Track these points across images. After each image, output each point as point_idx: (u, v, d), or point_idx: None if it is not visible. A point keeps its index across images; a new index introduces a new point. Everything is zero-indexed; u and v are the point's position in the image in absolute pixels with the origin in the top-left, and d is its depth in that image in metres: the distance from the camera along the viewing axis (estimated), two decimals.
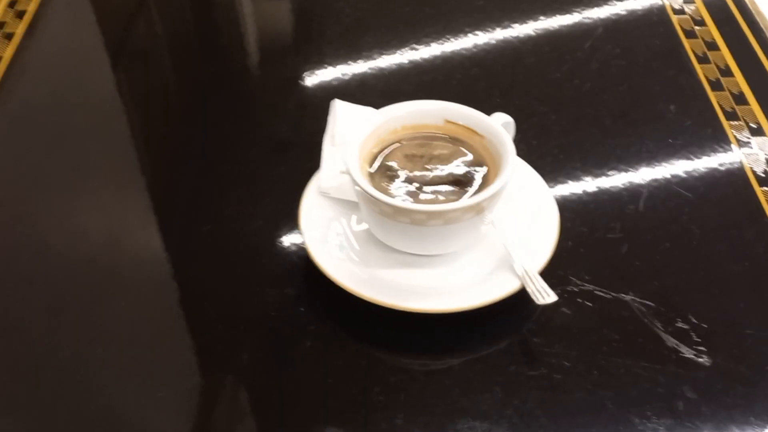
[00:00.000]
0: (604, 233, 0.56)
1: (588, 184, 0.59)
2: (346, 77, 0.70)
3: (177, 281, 0.55)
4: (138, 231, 0.59)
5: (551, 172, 0.58)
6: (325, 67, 0.71)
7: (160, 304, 0.54)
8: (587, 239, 0.55)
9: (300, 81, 0.70)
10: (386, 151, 0.53)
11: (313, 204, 0.55)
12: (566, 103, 0.67)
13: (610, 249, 0.55)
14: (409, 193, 0.50)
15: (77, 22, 0.78)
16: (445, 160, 0.53)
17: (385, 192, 0.50)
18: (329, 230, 0.54)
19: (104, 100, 0.70)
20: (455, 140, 0.54)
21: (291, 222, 0.55)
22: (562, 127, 0.65)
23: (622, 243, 0.55)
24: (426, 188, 0.51)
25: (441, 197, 0.50)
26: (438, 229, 0.49)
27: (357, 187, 0.49)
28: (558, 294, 0.49)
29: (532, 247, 0.52)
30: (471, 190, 0.51)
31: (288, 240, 0.56)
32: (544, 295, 0.48)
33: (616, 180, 0.59)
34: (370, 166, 0.52)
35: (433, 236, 0.50)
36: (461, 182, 0.51)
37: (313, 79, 0.70)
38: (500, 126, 0.52)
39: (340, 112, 0.60)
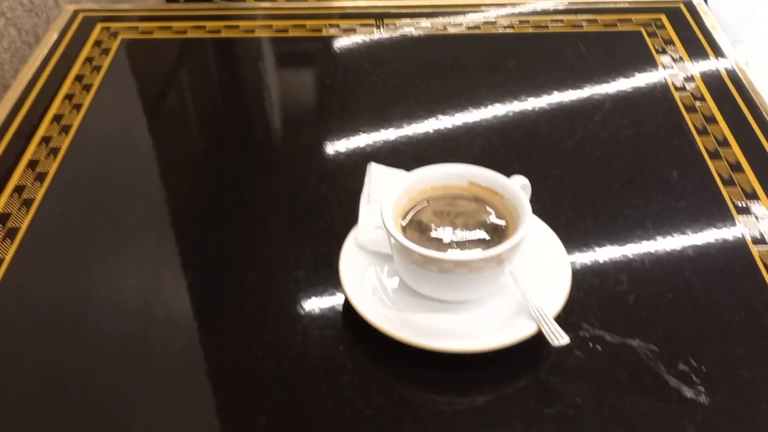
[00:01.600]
0: (613, 285, 0.62)
1: (598, 241, 0.65)
2: (379, 143, 0.77)
3: (227, 322, 0.61)
4: (187, 280, 0.65)
5: (564, 229, 0.64)
6: (360, 134, 0.78)
7: (211, 343, 0.60)
8: (597, 290, 0.61)
9: (338, 146, 0.78)
10: (417, 208, 0.60)
11: (351, 255, 0.61)
12: (578, 169, 0.74)
13: (618, 299, 0.61)
14: (438, 246, 0.57)
15: (117, 106, 0.86)
16: (470, 216, 0.59)
17: (417, 243, 0.57)
18: (365, 278, 0.60)
19: (145, 168, 0.77)
20: (478, 199, 0.61)
21: (331, 271, 0.61)
22: (575, 190, 0.71)
23: (630, 294, 0.61)
24: (452, 241, 0.57)
25: (466, 248, 0.57)
26: (463, 276, 0.55)
27: (392, 239, 0.55)
28: (571, 338, 0.55)
29: (547, 296, 0.58)
30: (492, 242, 0.57)
31: (328, 287, 0.62)
32: (559, 337, 0.54)
33: (624, 238, 0.66)
34: (403, 220, 0.59)
35: (459, 283, 0.56)
36: (484, 236, 0.58)
37: (349, 144, 0.78)
38: (518, 187, 0.59)
39: (375, 173, 0.67)
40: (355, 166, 0.71)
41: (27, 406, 0.55)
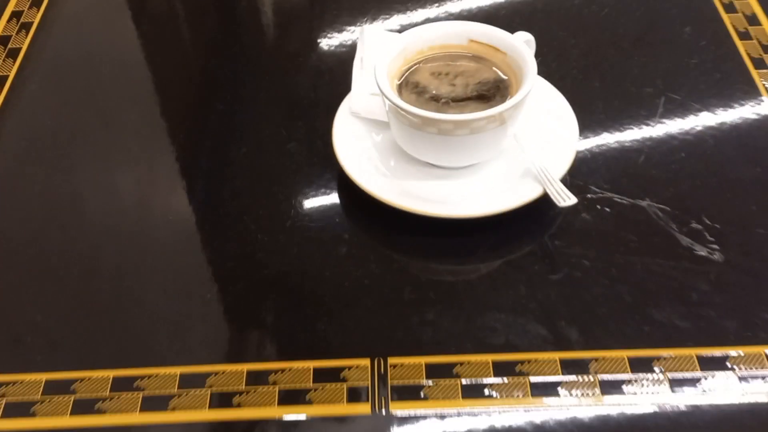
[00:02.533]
0: (621, 145, 0.59)
1: (606, 101, 0.62)
2: (373, 6, 0.72)
3: (217, 198, 0.58)
4: (174, 156, 0.62)
5: (570, 91, 0.60)
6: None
7: (203, 220, 0.57)
8: (605, 151, 0.58)
9: (330, 13, 0.73)
10: (414, 69, 0.56)
11: (345, 123, 0.58)
12: (585, 29, 0.69)
13: (627, 159, 0.58)
14: (436, 107, 0.53)
15: None
16: (470, 76, 0.56)
17: (414, 105, 0.53)
18: (360, 147, 0.57)
19: (130, 56, 0.73)
20: (479, 58, 0.57)
21: (324, 143, 0.58)
22: (581, 50, 0.67)
23: (640, 154, 0.58)
24: (452, 102, 0.54)
25: (466, 110, 0.53)
26: (464, 138, 0.52)
27: (387, 101, 0.52)
28: (578, 200, 0.52)
29: (553, 157, 0.55)
30: (494, 102, 0.54)
31: (321, 158, 0.59)
32: (565, 197, 0.51)
33: (634, 96, 0.62)
34: (399, 81, 0.56)
35: (460, 146, 0.53)
36: (485, 96, 0.54)
37: (340, 8, 0.73)
38: (522, 43, 0.55)
39: (369, 37, 0.63)
40: (349, 34, 0.67)
41: (19, 298, 0.53)
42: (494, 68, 0.56)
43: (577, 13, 0.71)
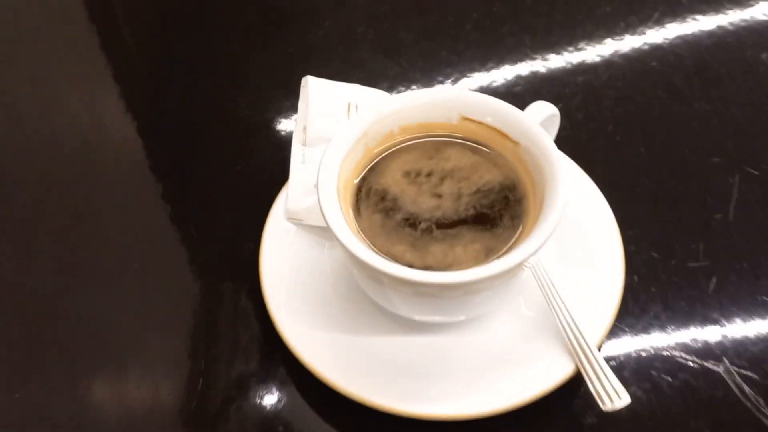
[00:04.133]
0: (683, 259, 0.40)
1: (657, 186, 0.43)
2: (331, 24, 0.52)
3: None
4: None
5: (603, 177, 0.41)
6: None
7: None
8: (660, 271, 0.40)
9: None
10: (379, 164, 0.37)
11: (278, 237, 0.39)
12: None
13: (691, 283, 0.39)
14: (411, 239, 0.35)
15: None
16: (464, 178, 0.37)
17: (376, 241, 0.34)
18: (300, 279, 0.38)
19: None
20: (476, 148, 0.37)
21: (250, 255, 0.39)
22: (618, 91, 0.48)
23: (708, 274, 0.40)
24: (436, 229, 0.35)
25: (458, 247, 0.34)
26: (454, 300, 0.34)
27: (337, 240, 0.33)
28: (626, 385, 0.34)
29: (587, 301, 0.36)
30: (502, 231, 0.35)
31: (246, 292, 0.40)
32: (613, 396, 0.33)
33: (697, 177, 0.43)
34: (356, 195, 0.36)
35: (449, 306, 0.35)
36: (487, 217, 0.35)
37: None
38: (540, 128, 0.36)
39: (315, 94, 0.42)
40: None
41: None
42: (500, 163, 0.37)
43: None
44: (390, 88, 0.49)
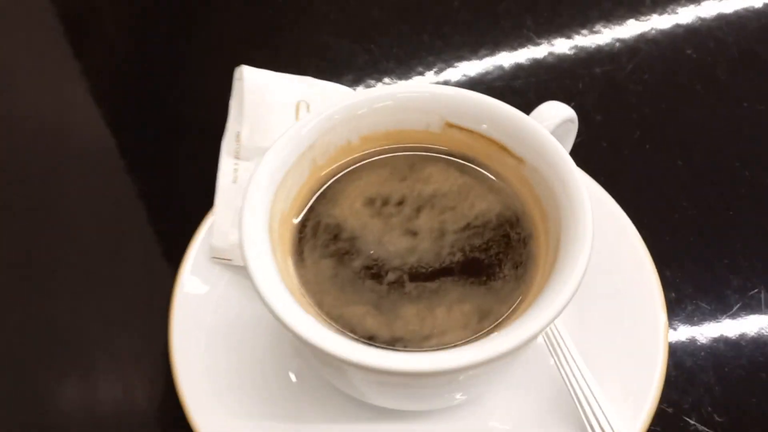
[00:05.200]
0: (740, 310, 0.31)
1: (696, 211, 0.33)
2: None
3: None
4: None
5: (628, 200, 0.31)
6: None
7: None
8: (710, 327, 0.30)
9: None
10: (331, 194, 0.27)
11: (197, 285, 0.29)
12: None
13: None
14: (375, 300, 0.24)
15: None
16: (448, 208, 0.27)
17: (324, 299, 0.24)
18: (228, 347, 0.28)
19: None
20: (465, 166, 0.27)
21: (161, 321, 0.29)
22: (645, 86, 0.38)
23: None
24: (409, 281, 0.25)
25: (439, 309, 0.24)
26: (436, 387, 0.24)
27: (269, 311, 0.23)
28: None
29: (617, 376, 0.27)
30: (502, 285, 0.25)
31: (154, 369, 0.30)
32: None
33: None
34: (299, 233, 0.26)
35: (428, 395, 0.25)
36: (480, 263, 0.25)
37: None
38: (552, 138, 0.26)
39: (253, 90, 0.32)
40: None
41: None
42: (498, 188, 0.27)
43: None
44: (355, 82, 0.40)
